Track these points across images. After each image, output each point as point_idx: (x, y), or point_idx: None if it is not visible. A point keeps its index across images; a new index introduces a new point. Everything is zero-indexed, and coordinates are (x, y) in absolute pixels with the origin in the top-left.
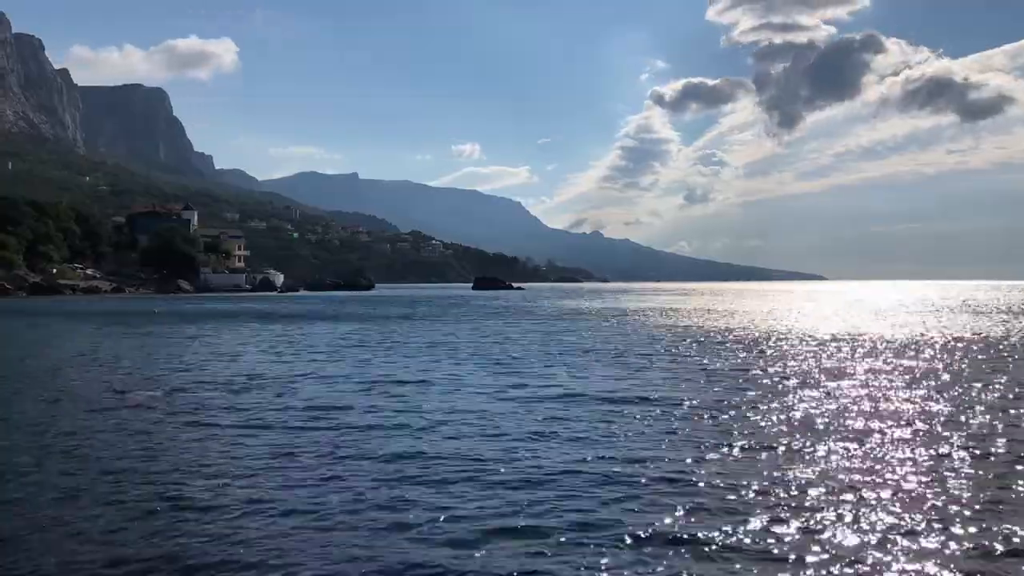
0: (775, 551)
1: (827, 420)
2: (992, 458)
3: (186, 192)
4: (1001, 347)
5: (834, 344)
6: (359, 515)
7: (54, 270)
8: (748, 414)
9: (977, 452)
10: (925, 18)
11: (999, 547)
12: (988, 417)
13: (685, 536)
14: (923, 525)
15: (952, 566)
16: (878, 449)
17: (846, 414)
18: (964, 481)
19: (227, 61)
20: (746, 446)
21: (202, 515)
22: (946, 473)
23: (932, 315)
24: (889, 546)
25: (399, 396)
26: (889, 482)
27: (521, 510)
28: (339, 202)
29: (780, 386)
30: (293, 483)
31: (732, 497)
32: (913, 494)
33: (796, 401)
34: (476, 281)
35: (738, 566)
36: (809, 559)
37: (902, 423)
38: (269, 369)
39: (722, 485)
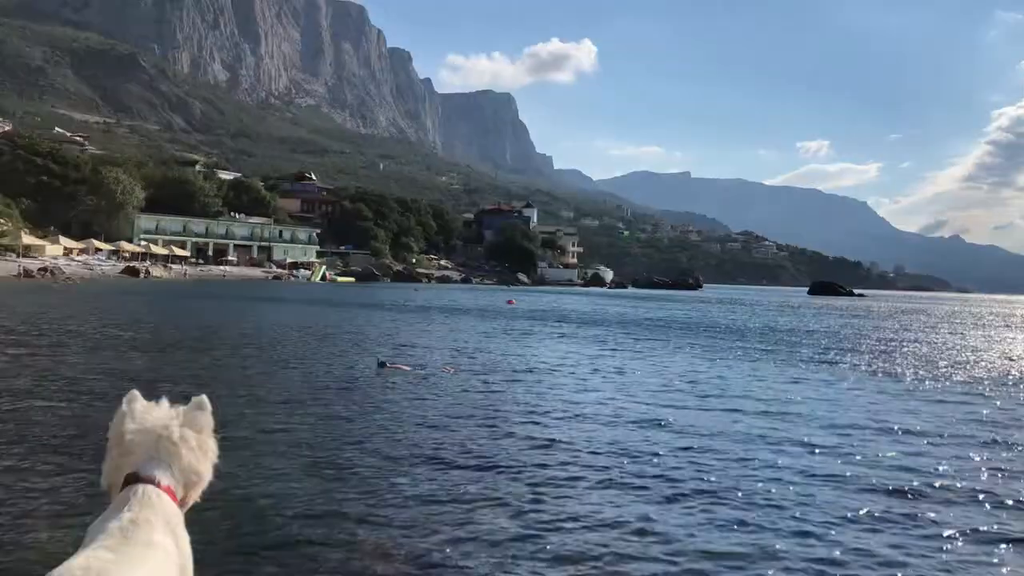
0: None
1: None
2: None
3: (528, 191)
4: None
5: None
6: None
7: (414, 260)
8: None
9: None
10: None
11: None
12: None
13: None
14: None
15: None
16: None
17: None
18: None
19: (585, 64)
20: None
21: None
22: None
23: None
24: None
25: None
26: None
27: None
28: (670, 201)
29: None
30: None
31: None
32: None
33: None
34: (812, 286)
35: None
36: None
37: None
38: None
39: None
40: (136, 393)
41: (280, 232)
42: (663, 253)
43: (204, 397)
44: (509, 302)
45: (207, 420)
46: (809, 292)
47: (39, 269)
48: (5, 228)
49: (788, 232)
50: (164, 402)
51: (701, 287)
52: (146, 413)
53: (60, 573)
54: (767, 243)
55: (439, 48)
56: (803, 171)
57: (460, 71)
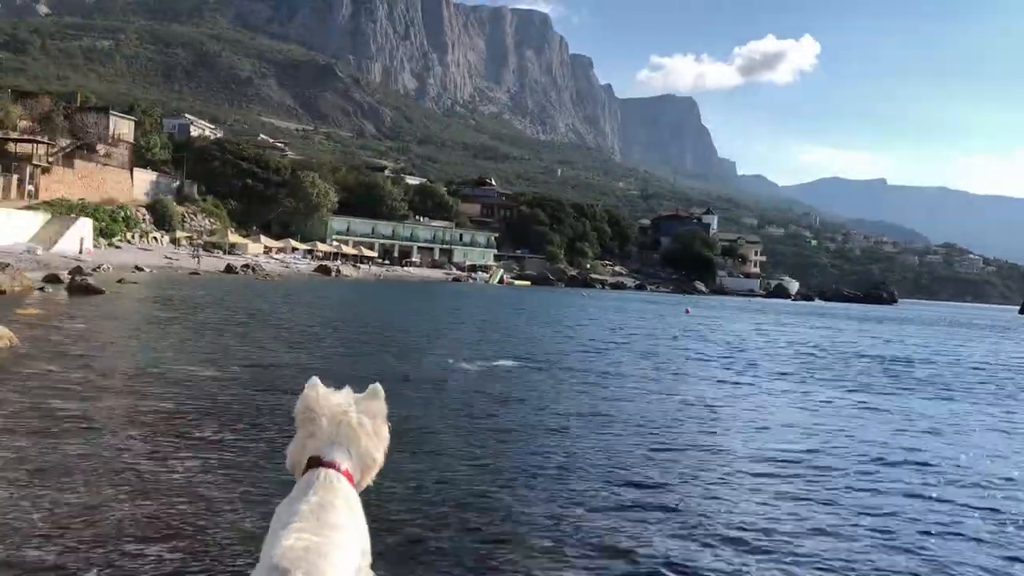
0: None
1: None
2: None
3: (708, 197)
4: None
5: None
6: None
7: (588, 265)
8: None
9: None
10: None
11: None
12: None
13: None
14: None
15: None
16: None
17: None
18: None
19: (801, 63)
20: None
21: None
22: None
23: None
24: None
25: None
26: None
27: None
28: (862, 209)
29: None
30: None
31: None
32: None
33: None
34: None
35: None
36: None
37: None
38: None
39: None
40: (317, 379)
41: (460, 235)
42: (853, 264)
43: (378, 385)
44: (686, 311)
45: (381, 407)
46: (1020, 311)
47: (242, 266)
48: (215, 227)
49: (999, 245)
50: (345, 389)
51: (896, 302)
52: (327, 398)
53: (283, 554)
54: (972, 256)
55: (641, 51)
56: (1019, 179)
57: (660, 71)
